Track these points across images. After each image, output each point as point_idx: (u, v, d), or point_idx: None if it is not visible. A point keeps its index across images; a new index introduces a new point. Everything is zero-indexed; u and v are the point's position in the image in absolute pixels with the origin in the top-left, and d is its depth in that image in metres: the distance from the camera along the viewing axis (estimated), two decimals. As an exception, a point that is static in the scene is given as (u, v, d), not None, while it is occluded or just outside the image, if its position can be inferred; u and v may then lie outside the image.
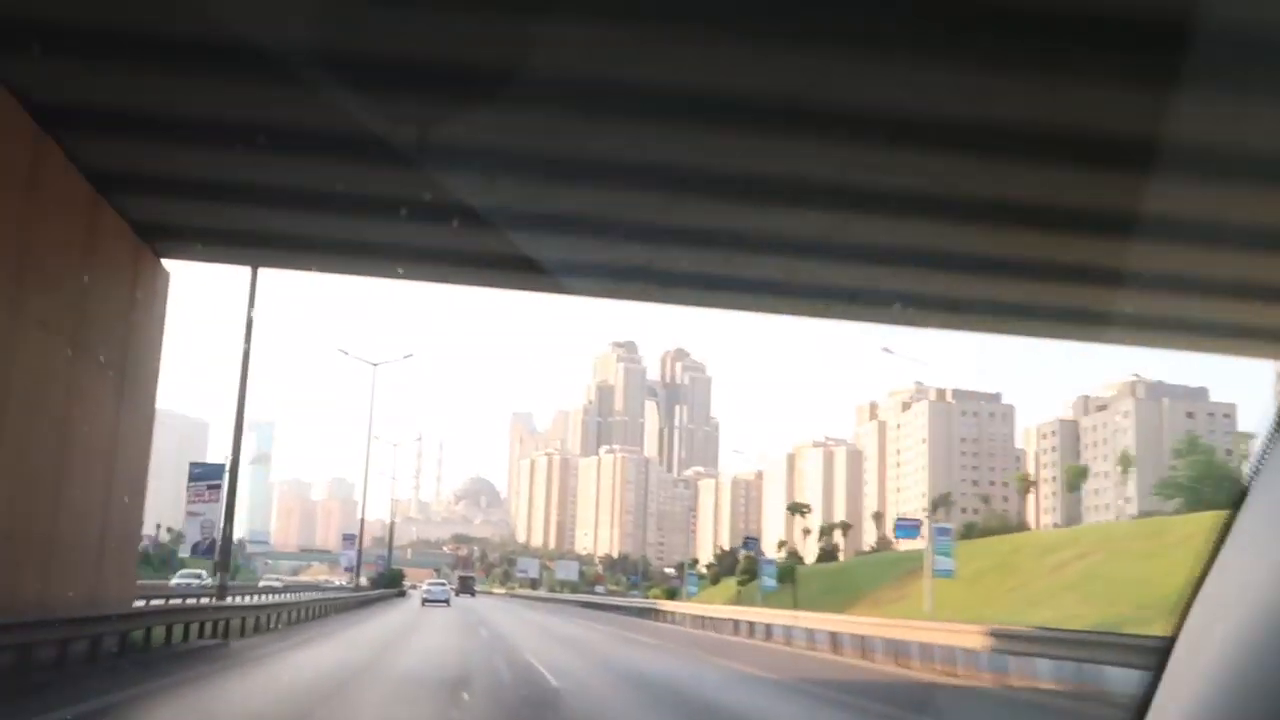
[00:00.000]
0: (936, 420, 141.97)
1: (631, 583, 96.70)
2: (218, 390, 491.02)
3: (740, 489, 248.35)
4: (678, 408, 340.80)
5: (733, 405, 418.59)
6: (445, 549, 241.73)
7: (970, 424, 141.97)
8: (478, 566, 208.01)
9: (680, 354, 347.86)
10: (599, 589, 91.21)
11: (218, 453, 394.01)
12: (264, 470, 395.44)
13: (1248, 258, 14.34)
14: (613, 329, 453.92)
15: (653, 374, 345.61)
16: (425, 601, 54.32)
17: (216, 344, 53.31)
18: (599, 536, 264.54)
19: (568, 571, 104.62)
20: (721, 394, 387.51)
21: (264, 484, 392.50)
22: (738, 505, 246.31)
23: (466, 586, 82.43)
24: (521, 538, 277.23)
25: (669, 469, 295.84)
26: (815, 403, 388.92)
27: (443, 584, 62.70)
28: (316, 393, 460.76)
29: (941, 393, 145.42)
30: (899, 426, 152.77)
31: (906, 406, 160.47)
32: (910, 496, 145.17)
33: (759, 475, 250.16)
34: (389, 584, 72.23)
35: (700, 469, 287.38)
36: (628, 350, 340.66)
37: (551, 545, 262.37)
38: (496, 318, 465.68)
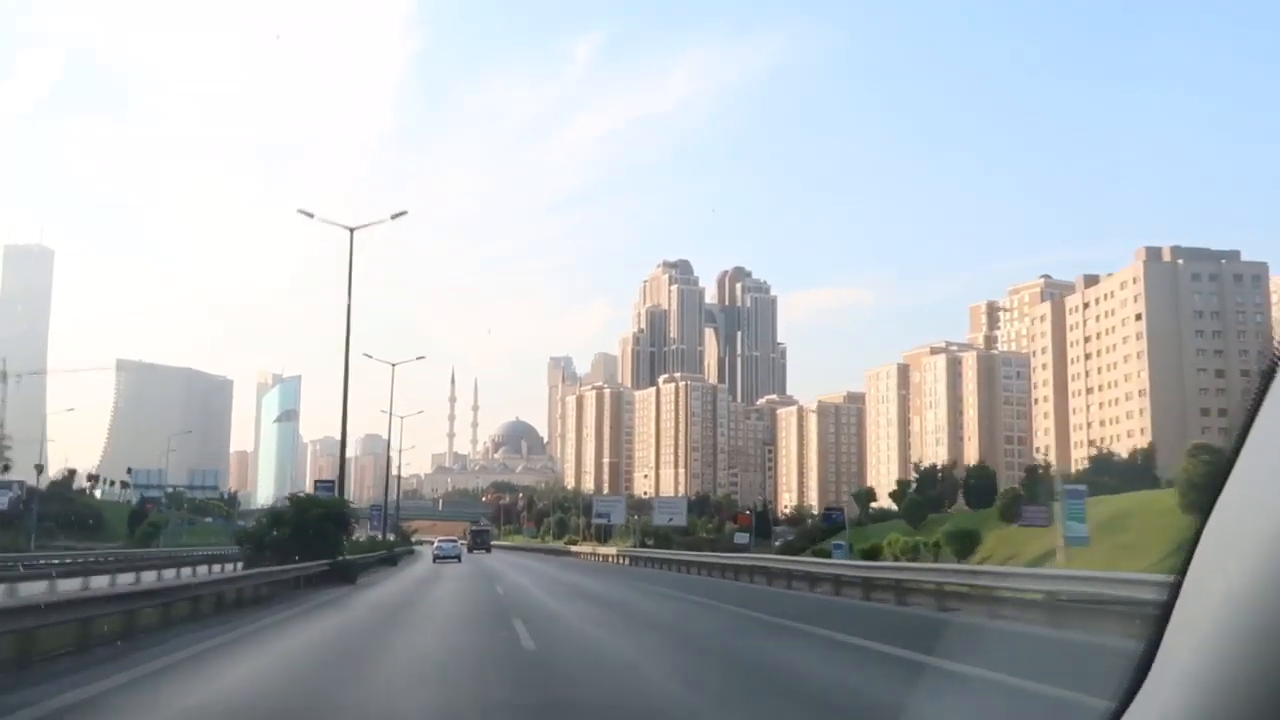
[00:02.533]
0: (1157, 290, 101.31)
1: (832, 522, 57.62)
2: (242, 349, 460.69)
3: (829, 415, 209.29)
4: (739, 333, 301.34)
5: (800, 327, 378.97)
6: (485, 499, 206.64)
7: (1206, 292, 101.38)
8: (525, 517, 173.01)
9: (740, 273, 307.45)
10: (740, 537, 53.68)
11: (242, 408, 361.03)
12: (291, 427, 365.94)
13: None
14: (661, 248, 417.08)
15: (709, 298, 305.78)
16: (436, 558, 54.56)
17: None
18: (661, 477, 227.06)
19: (670, 513, 66.88)
20: (788, 316, 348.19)
21: (293, 441, 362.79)
22: (827, 434, 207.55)
23: (480, 542, 79.26)
24: (570, 483, 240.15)
25: (736, 398, 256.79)
26: (902, 315, 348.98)
27: (454, 540, 63.92)
28: (350, 347, 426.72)
29: (1155, 251, 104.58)
30: (1086, 306, 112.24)
31: (1072, 288, 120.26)
32: (1116, 397, 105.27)
33: (848, 397, 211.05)
34: (307, 545, 27.82)
35: (775, 397, 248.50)
36: (681, 271, 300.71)
37: (605, 490, 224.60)
38: (524, 252, 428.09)
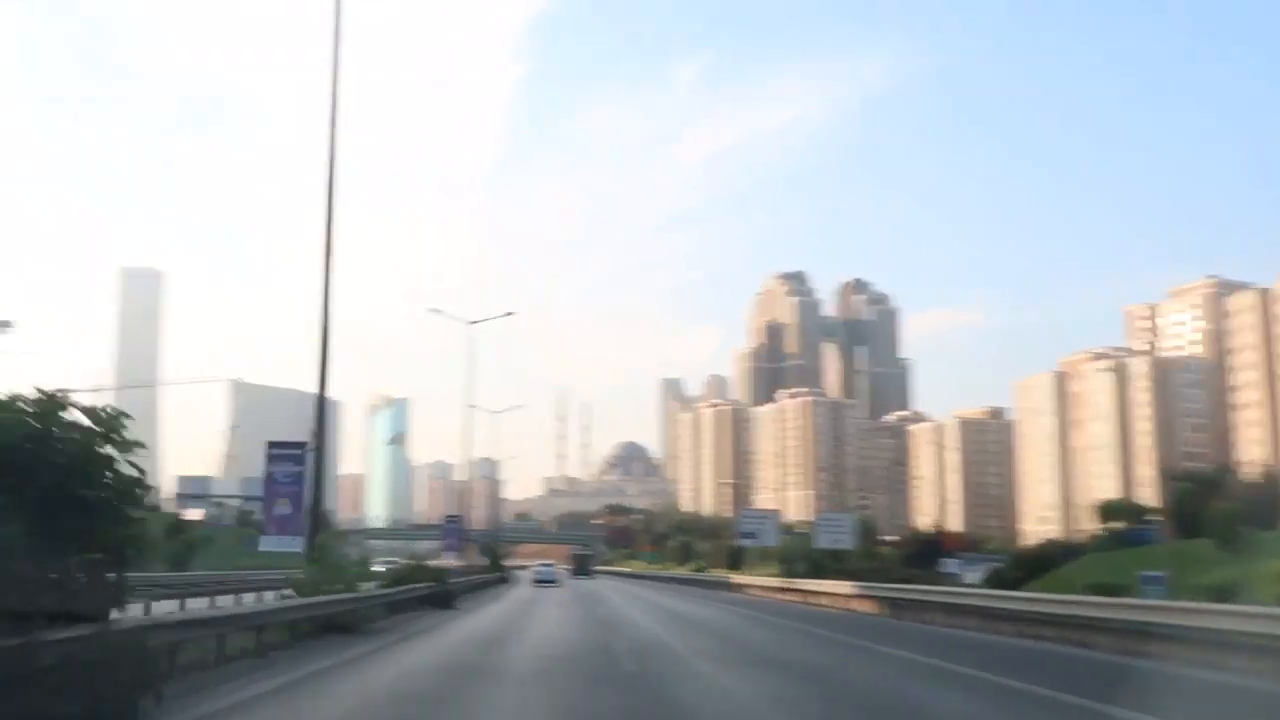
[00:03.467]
0: None
1: (1141, 540, 43.90)
2: (348, 372, 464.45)
3: (972, 432, 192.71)
4: (861, 348, 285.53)
5: (917, 348, 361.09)
6: (598, 521, 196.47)
7: None
8: (643, 540, 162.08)
9: (859, 285, 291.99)
10: (948, 565, 41.00)
11: (349, 431, 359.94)
12: (401, 450, 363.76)
13: None
14: (769, 270, 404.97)
15: (827, 311, 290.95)
16: (536, 582, 55.17)
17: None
18: (787, 499, 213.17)
19: (837, 534, 54.75)
20: (911, 329, 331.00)
21: (403, 465, 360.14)
22: (970, 453, 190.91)
23: (582, 568, 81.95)
24: (688, 505, 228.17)
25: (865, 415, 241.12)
26: (1024, 331, 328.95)
27: (551, 564, 66.47)
28: (458, 371, 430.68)
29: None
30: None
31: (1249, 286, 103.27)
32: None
33: (993, 413, 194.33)
34: None
35: (906, 413, 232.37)
36: (797, 282, 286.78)
37: (726, 513, 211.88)
38: (632, 274, 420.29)
